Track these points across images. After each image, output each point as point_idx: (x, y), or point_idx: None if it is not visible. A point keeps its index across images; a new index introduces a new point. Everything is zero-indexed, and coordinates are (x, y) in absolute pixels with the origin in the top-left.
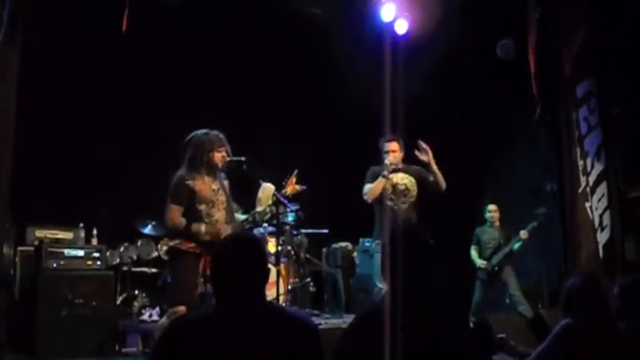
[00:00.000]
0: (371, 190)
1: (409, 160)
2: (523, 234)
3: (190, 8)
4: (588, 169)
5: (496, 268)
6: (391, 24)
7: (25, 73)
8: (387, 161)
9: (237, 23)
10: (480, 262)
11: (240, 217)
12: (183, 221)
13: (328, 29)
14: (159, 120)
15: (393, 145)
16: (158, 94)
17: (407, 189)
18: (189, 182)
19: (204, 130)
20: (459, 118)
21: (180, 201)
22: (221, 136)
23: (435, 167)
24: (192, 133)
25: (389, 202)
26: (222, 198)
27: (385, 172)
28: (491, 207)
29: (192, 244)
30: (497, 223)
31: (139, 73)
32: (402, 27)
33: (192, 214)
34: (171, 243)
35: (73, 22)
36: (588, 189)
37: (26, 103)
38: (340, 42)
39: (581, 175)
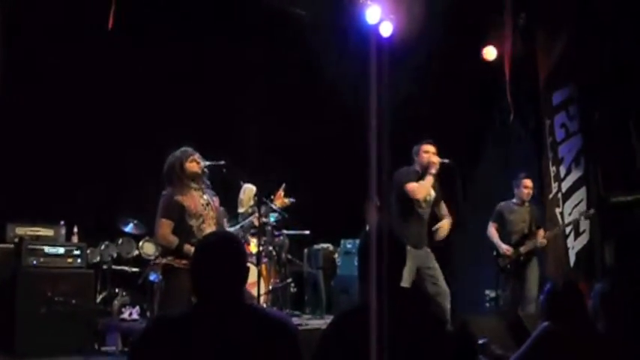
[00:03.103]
0: (421, 187)
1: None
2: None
3: (174, 9)
4: (562, 175)
5: (522, 258)
6: (376, 26)
7: (4, 71)
8: (434, 159)
9: (222, 24)
10: (504, 248)
11: (230, 229)
12: (175, 239)
13: (313, 31)
14: (142, 119)
15: (433, 147)
16: (140, 93)
17: (431, 200)
18: (178, 197)
19: (171, 154)
20: (441, 118)
21: (171, 216)
22: (188, 149)
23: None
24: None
25: (419, 210)
26: (211, 213)
27: (433, 170)
28: (528, 182)
29: (185, 261)
30: (527, 202)
31: (122, 71)
32: (386, 29)
33: (182, 230)
34: (164, 260)
35: (54, 20)
36: (560, 195)
37: (7, 99)
38: (325, 43)
39: (552, 182)
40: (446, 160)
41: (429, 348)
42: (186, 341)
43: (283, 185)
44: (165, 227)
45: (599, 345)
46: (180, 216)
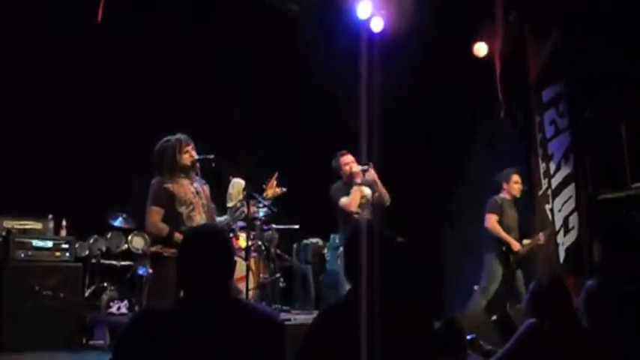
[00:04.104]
0: (351, 201)
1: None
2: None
3: (164, 3)
4: (551, 171)
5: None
6: (367, 21)
7: None
8: (355, 169)
9: (212, 19)
10: (518, 245)
11: (219, 219)
12: (165, 227)
13: (305, 25)
14: (130, 111)
15: (350, 157)
16: (129, 87)
17: (367, 200)
18: (168, 186)
19: (165, 138)
20: (431, 115)
21: (161, 203)
22: (183, 137)
23: (380, 187)
24: (157, 144)
25: (355, 215)
26: (201, 201)
27: (358, 180)
28: (517, 177)
29: (174, 250)
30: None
31: (111, 65)
32: (377, 25)
33: (172, 218)
34: (153, 248)
35: (44, 14)
36: (550, 191)
37: None
38: (316, 38)
39: (542, 178)
40: (365, 167)
41: (416, 343)
42: (172, 334)
43: (276, 174)
44: (155, 215)
45: (585, 342)
46: (169, 203)
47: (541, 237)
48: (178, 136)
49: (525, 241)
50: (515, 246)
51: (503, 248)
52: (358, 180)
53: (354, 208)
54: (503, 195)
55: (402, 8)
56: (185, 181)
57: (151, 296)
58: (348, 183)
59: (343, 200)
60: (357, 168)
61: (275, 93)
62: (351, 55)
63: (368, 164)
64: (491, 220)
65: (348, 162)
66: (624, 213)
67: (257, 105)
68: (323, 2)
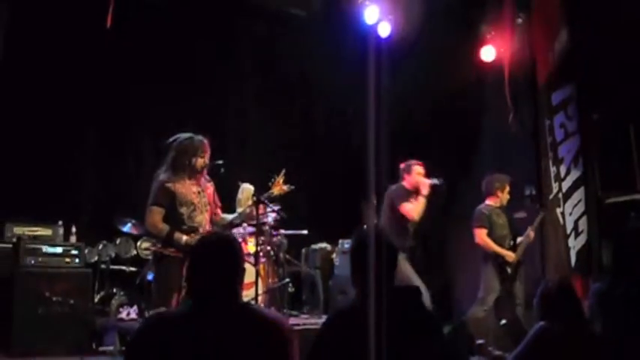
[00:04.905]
0: (416, 209)
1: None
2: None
3: (173, 8)
4: (562, 175)
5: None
6: (374, 26)
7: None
8: (425, 181)
9: (219, 24)
10: (513, 257)
11: (227, 217)
12: (165, 227)
13: (312, 30)
14: (140, 118)
15: (423, 169)
16: (140, 92)
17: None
18: (169, 185)
19: (188, 135)
20: (439, 119)
21: (161, 203)
22: (205, 141)
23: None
24: (176, 136)
25: (408, 225)
26: (204, 200)
27: (424, 192)
28: (509, 187)
29: (173, 249)
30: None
31: (122, 71)
32: (385, 30)
33: (173, 218)
34: (154, 247)
35: (55, 17)
36: (561, 195)
37: (3, 98)
38: (324, 43)
39: (553, 181)
40: (436, 182)
41: (425, 347)
42: (181, 340)
43: (283, 171)
44: (155, 215)
45: (594, 344)
46: (170, 203)
47: (530, 234)
48: (200, 138)
49: (518, 240)
50: (510, 257)
51: (499, 260)
52: (425, 192)
53: (416, 216)
54: (491, 202)
55: (409, 13)
56: (188, 181)
57: (154, 294)
58: (410, 192)
59: (408, 206)
60: (427, 180)
61: (283, 98)
62: (359, 60)
63: (440, 180)
64: (481, 236)
65: (420, 172)
66: (633, 216)
67: (264, 111)
68: (330, 7)
